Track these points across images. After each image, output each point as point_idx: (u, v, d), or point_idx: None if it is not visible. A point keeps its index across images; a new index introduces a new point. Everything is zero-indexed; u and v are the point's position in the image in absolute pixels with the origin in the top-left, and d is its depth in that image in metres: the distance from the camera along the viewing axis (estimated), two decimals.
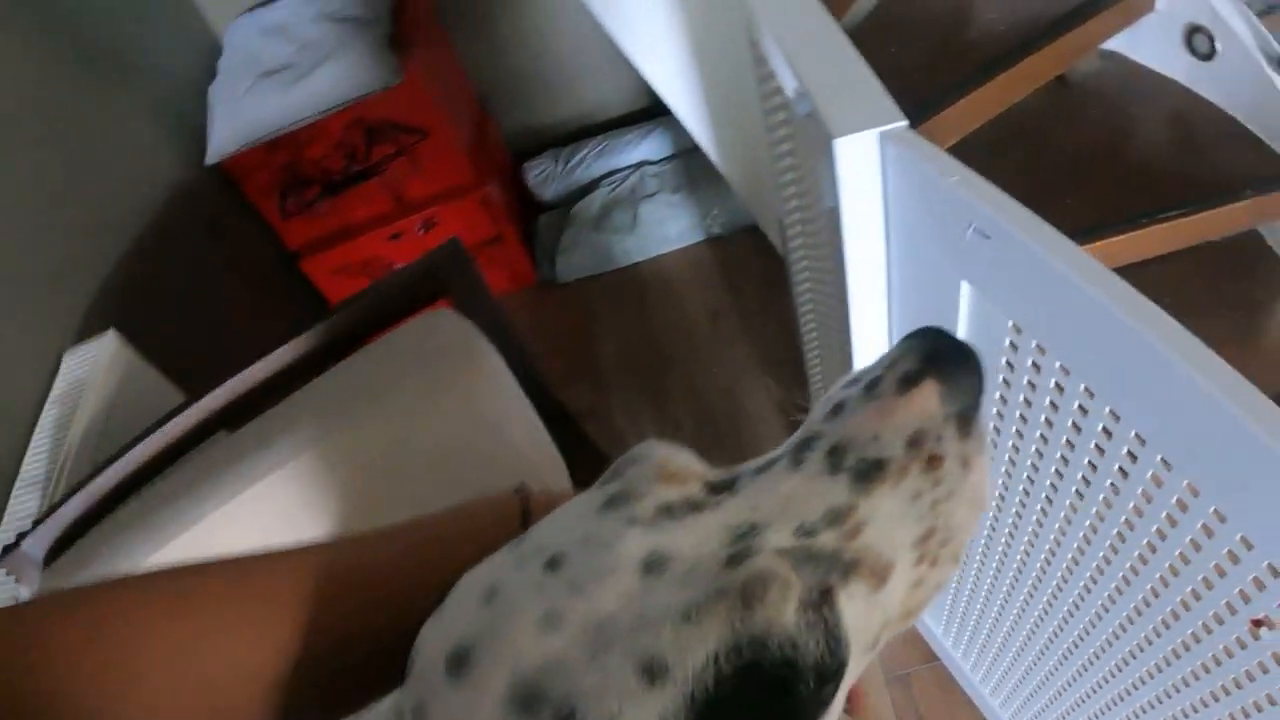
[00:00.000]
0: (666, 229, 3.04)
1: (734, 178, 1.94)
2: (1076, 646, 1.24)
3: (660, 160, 3.16)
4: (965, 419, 0.53)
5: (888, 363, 0.55)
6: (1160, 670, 1.06)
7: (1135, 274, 1.68)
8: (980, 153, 1.71)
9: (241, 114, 2.71)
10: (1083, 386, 0.85)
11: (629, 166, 3.23)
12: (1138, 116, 1.86)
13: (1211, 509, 0.78)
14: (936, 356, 0.54)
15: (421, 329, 1.40)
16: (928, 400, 0.53)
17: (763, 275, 2.81)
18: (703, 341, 2.78)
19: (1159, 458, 0.80)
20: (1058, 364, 0.86)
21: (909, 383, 0.53)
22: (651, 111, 3.27)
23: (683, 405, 2.61)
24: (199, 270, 2.63)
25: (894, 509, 0.50)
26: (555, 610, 0.46)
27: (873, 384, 0.54)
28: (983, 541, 1.31)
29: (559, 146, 3.40)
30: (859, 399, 0.54)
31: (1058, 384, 0.88)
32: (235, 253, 2.89)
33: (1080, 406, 0.87)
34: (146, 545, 1.26)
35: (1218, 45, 1.70)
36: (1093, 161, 1.80)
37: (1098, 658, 1.19)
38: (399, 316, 1.47)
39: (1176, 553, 0.87)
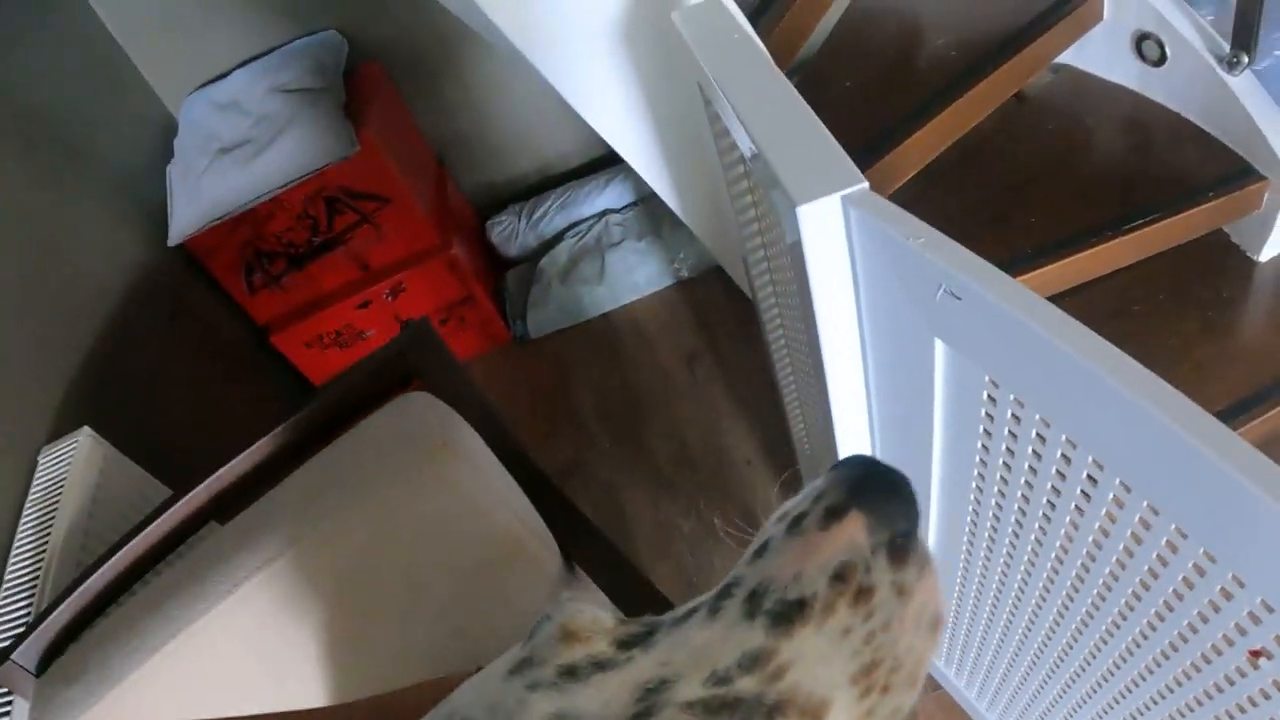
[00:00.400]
0: (635, 276, 3.05)
1: (696, 225, 1.95)
2: (1078, 676, 1.24)
3: (623, 208, 3.18)
4: (898, 546, 0.52)
5: (813, 496, 0.54)
6: (1164, 697, 1.07)
7: (1104, 284, 1.70)
8: (942, 173, 1.74)
9: (201, 193, 2.70)
10: (1064, 437, 0.85)
11: (592, 216, 3.25)
12: (1094, 128, 1.89)
13: (1201, 550, 0.78)
14: (862, 486, 0.53)
15: (394, 415, 1.39)
16: (852, 533, 0.51)
17: (734, 314, 2.83)
18: (680, 385, 2.79)
19: (1145, 503, 0.80)
20: (1037, 416, 0.87)
21: (833, 516, 0.52)
22: (611, 159, 3.27)
23: (664, 451, 2.61)
24: (169, 354, 2.62)
25: (821, 647, 0.49)
26: None
27: (796, 520, 0.53)
28: (976, 582, 1.32)
29: (521, 201, 3.41)
30: (782, 538, 0.53)
31: (1039, 435, 0.89)
32: (205, 333, 2.89)
33: (1063, 455, 0.87)
34: (134, 657, 1.26)
35: (1167, 50, 1.73)
36: (1054, 175, 1.82)
37: (1101, 685, 1.20)
38: (373, 401, 1.46)
39: (1170, 590, 0.87)
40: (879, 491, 0.53)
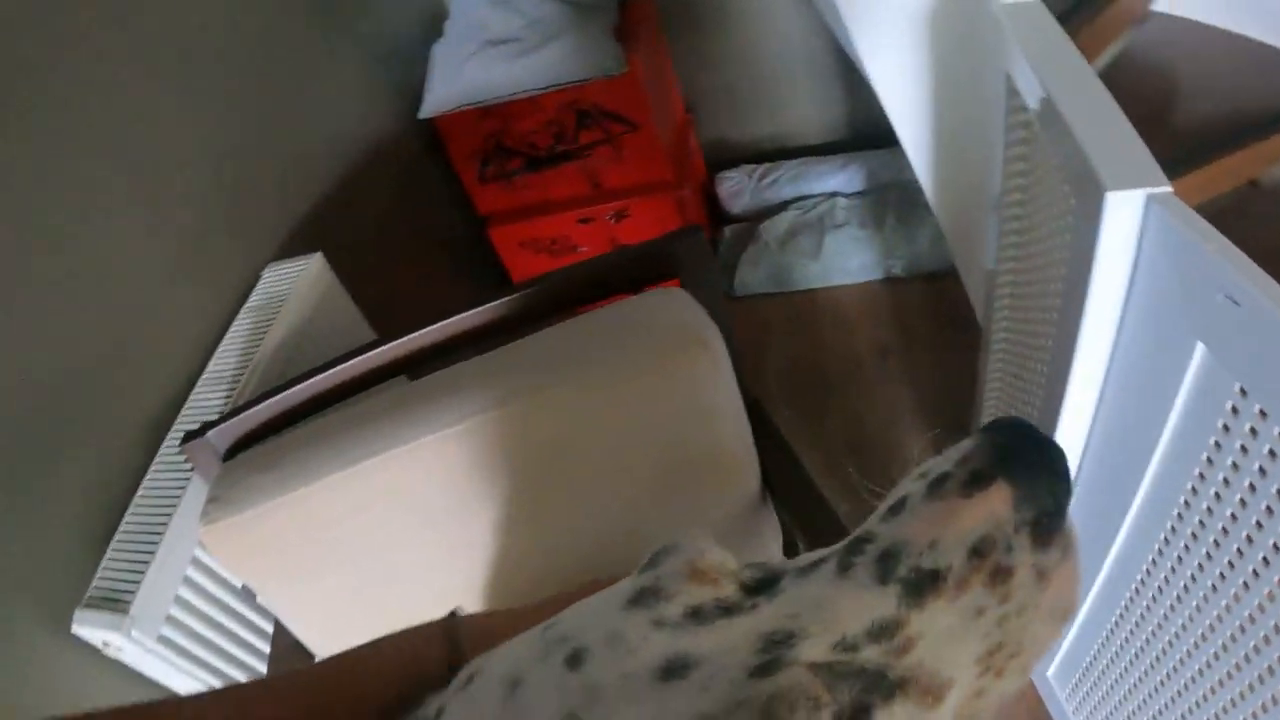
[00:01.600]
0: (849, 261, 3.09)
1: (944, 217, 1.96)
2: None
3: (853, 194, 3.22)
4: (1044, 526, 0.49)
5: (959, 457, 0.51)
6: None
7: None
8: None
9: (462, 76, 2.81)
10: None
11: (821, 194, 3.28)
12: None
13: None
14: (1013, 454, 0.50)
15: (655, 302, 1.39)
16: (996, 505, 0.48)
17: (934, 323, 2.85)
18: (868, 375, 2.83)
19: None
20: (1276, 431, 0.91)
21: (977, 483, 0.49)
22: (844, 146, 3.34)
23: (840, 431, 2.66)
24: (395, 217, 2.77)
25: (952, 625, 0.46)
26: (572, 715, 0.45)
27: (938, 481, 0.50)
28: (1149, 597, 1.34)
29: (753, 164, 3.47)
30: (921, 499, 0.50)
31: (1271, 450, 0.93)
32: (429, 208, 3.02)
33: None
34: (332, 463, 1.32)
35: None
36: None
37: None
38: (619, 292, 1.48)
39: None
40: (1031, 463, 0.50)
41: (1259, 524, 0.99)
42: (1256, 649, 1.08)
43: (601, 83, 2.79)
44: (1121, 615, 1.44)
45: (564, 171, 3.01)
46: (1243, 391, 0.94)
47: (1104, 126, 1.10)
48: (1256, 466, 0.96)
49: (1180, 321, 1.00)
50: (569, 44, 2.78)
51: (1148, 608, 1.34)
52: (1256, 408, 0.93)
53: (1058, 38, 1.30)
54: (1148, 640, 1.38)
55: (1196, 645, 1.21)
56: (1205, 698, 1.25)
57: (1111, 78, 2.06)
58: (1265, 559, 0.99)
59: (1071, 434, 1.34)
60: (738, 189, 3.41)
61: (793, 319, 3.13)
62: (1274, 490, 0.94)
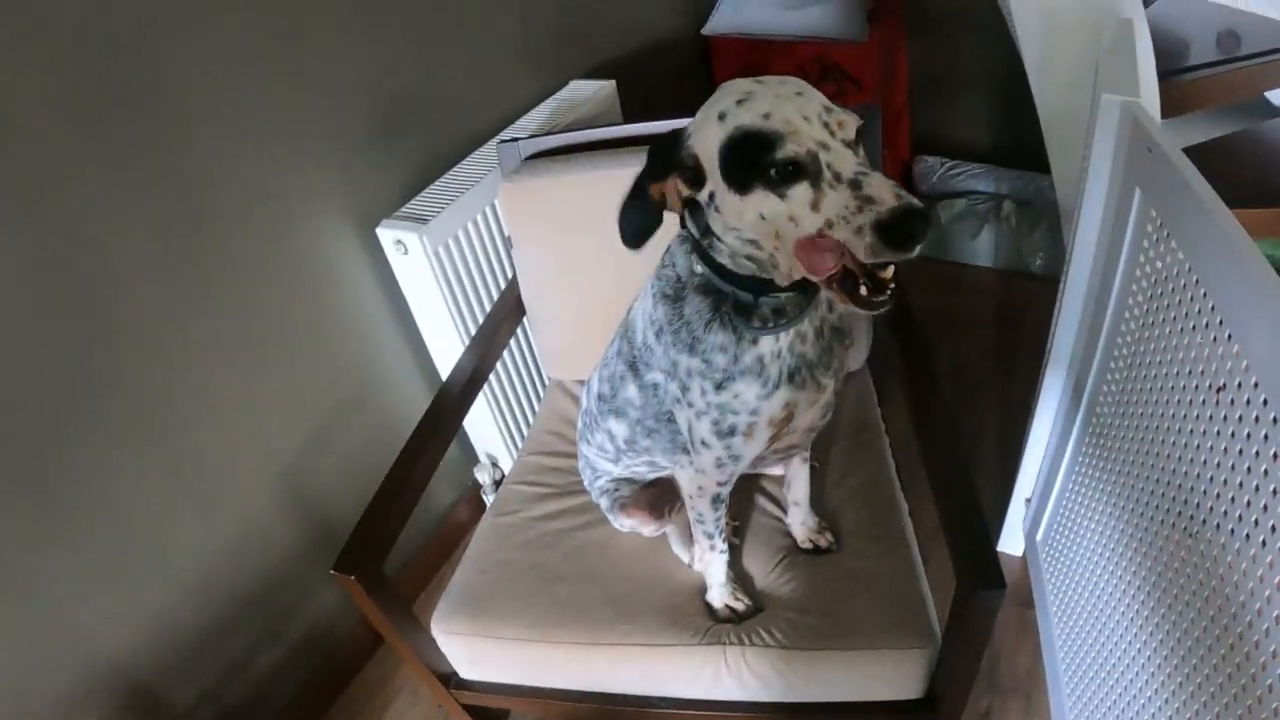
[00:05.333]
0: (997, 250, 3.71)
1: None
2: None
3: (1020, 201, 3.79)
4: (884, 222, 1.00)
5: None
6: None
7: None
8: None
9: (744, 11, 3.56)
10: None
11: (993, 194, 3.89)
12: None
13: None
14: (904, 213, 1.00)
15: None
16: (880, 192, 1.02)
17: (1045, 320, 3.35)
18: (973, 343, 3.37)
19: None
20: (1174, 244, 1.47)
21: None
22: (1021, 162, 3.90)
23: (950, 379, 3.20)
24: (654, 99, 3.48)
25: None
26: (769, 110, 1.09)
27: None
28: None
29: (945, 156, 4.10)
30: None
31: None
32: (675, 106, 3.71)
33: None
34: (600, 167, 1.98)
35: None
36: None
37: None
38: None
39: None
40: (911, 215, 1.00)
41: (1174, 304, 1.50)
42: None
43: (846, 46, 3.45)
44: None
45: None
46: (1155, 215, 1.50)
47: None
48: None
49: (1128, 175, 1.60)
50: (830, 10, 3.45)
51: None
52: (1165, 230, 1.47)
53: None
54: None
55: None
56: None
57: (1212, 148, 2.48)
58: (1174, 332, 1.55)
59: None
60: (929, 171, 4.04)
61: (936, 280, 3.71)
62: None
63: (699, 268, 1.32)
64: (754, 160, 1.09)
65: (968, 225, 3.75)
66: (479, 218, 2.34)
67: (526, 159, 2.15)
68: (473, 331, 2.34)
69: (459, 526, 2.82)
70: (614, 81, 2.80)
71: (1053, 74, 2.16)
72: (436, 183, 2.35)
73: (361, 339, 2.34)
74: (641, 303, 1.51)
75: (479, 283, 2.40)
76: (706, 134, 1.16)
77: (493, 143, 2.47)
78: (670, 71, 3.61)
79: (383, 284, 2.36)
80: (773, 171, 1.08)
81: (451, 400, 1.88)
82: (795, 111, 1.08)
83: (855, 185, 1.03)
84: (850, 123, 1.11)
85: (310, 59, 2.03)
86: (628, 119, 2.67)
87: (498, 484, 2.61)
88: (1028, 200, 3.78)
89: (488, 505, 2.07)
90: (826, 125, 1.08)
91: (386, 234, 2.21)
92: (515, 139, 2.16)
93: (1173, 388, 1.44)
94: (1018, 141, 3.95)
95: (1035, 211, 3.70)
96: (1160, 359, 1.50)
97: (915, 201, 0.99)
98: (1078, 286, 1.91)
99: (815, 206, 1.07)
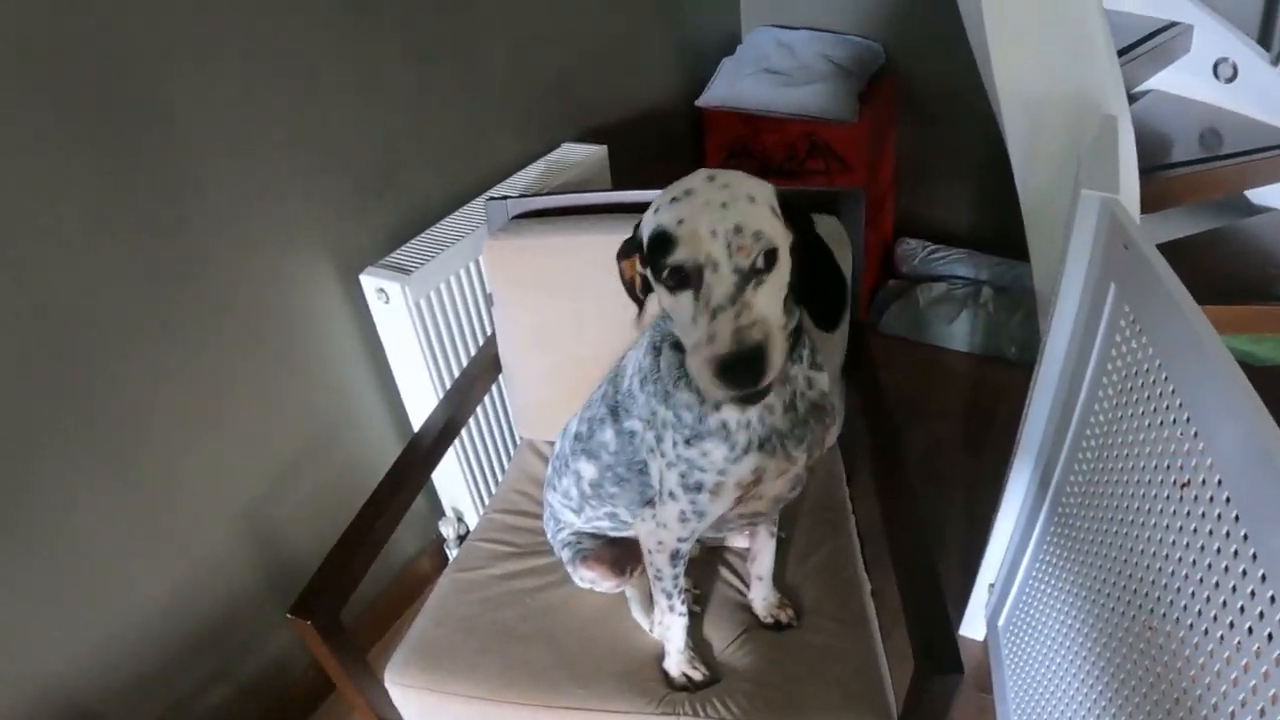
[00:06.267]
0: (975, 336, 3.73)
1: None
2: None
3: (998, 288, 3.82)
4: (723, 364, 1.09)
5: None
6: None
7: None
8: None
9: (737, 85, 3.62)
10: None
11: (973, 279, 3.92)
12: None
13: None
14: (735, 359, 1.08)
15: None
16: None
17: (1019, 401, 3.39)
18: (949, 430, 3.39)
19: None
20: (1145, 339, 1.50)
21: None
22: (1003, 250, 3.93)
23: (920, 461, 3.23)
24: (645, 164, 3.50)
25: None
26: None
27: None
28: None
29: (927, 240, 4.13)
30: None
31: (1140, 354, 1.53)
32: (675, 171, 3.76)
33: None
34: (584, 232, 1.99)
35: None
36: None
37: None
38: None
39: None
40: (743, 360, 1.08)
41: (1143, 399, 1.53)
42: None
43: (837, 126, 3.50)
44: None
45: (783, 184, 3.65)
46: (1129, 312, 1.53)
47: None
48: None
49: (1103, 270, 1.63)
50: (823, 90, 3.50)
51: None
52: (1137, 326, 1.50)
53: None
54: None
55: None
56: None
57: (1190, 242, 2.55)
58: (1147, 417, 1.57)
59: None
60: (911, 253, 4.07)
61: (912, 362, 3.75)
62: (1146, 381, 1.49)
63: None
64: (659, 258, 1.17)
65: (946, 309, 3.79)
66: (462, 272, 2.36)
67: (513, 218, 2.18)
68: (448, 384, 2.36)
69: (420, 578, 2.81)
70: (606, 146, 2.84)
71: (1036, 165, 2.20)
72: (423, 234, 2.38)
73: (336, 384, 2.36)
74: (635, 350, 1.55)
75: (458, 336, 2.42)
76: (648, 220, 1.24)
77: (481, 198, 2.50)
78: (663, 140, 3.67)
79: (361, 331, 2.37)
80: (665, 273, 1.16)
81: (422, 452, 1.87)
82: (706, 224, 1.12)
83: (712, 317, 1.10)
84: (753, 249, 1.13)
85: (312, 115, 2.08)
86: (617, 185, 2.74)
87: (461, 539, 2.60)
88: (1006, 287, 3.83)
89: (450, 559, 2.06)
90: (729, 245, 1.12)
91: (370, 281, 2.24)
92: (504, 197, 2.19)
93: (1138, 481, 1.47)
94: (1000, 229, 4.00)
95: (1013, 299, 3.74)
96: (1127, 452, 1.53)
97: (749, 347, 1.08)
98: (1050, 376, 1.93)
99: (694, 319, 1.14)
